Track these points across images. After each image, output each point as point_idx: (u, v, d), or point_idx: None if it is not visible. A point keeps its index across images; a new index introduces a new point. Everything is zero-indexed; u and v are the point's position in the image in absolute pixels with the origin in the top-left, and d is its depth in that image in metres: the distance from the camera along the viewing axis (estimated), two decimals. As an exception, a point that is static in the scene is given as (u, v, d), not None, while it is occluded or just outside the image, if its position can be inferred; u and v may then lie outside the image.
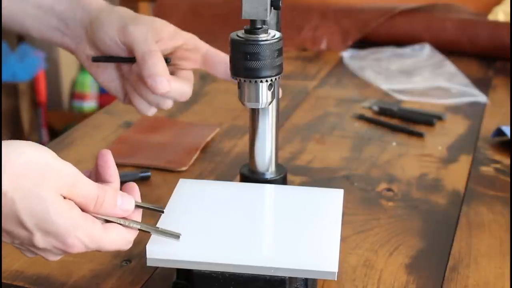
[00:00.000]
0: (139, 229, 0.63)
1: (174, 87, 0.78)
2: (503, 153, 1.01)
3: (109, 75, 0.84)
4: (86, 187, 0.59)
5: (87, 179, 0.60)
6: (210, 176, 0.94)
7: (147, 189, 0.89)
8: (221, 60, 0.83)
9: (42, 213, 0.57)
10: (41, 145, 0.60)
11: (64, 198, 0.58)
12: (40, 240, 0.58)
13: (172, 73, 0.81)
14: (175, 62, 0.83)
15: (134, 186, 0.65)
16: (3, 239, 0.60)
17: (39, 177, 0.57)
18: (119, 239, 0.62)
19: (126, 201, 0.62)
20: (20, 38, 2.63)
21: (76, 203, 0.59)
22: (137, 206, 0.64)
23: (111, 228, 0.61)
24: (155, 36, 0.79)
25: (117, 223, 0.61)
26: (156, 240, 0.66)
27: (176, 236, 0.64)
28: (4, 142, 0.57)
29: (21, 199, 0.56)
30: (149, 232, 0.64)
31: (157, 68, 0.76)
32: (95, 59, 0.82)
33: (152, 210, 0.66)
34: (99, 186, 0.61)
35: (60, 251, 0.60)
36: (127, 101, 0.86)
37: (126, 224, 0.62)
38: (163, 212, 0.67)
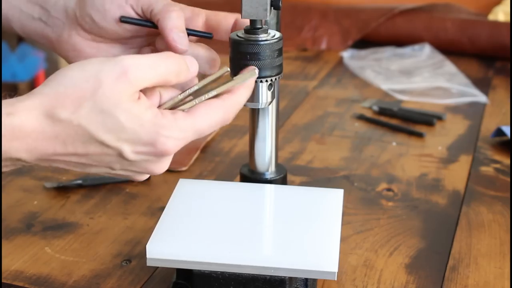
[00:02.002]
0: (217, 94, 0.59)
1: (201, 53, 0.72)
2: (503, 153, 1.01)
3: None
4: (152, 72, 0.57)
5: (149, 58, 0.57)
6: (210, 176, 0.94)
7: (147, 189, 0.89)
8: (221, 20, 0.75)
9: (117, 127, 0.55)
10: (82, 61, 0.58)
11: (138, 98, 0.56)
12: (129, 153, 0.57)
13: None
14: None
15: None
16: (99, 170, 0.59)
17: (95, 94, 0.55)
18: (214, 115, 0.59)
19: (193, 64, 0.61)
20: (20, 38, 2.63)
21: (154, 85, 0.57)
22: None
23: (198, 110, 0.59)
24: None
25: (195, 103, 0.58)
26: (156, 240, 0.66)
27: (254, 73, 0.62)
28: (53, 76, 0.56)
29: (90, 122, 0.55)
30: (231, 85, 0.60)
31: (179, 22, 0.69)
32: (125, 20, 0.71)
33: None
34: (170, 57, 0.58)
35: (156, 158, 0.59)
36: None
37: (203, 99, 0.58)
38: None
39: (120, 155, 0.58)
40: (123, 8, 0.70)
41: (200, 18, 0.74)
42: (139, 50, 0.76)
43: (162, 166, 0.61)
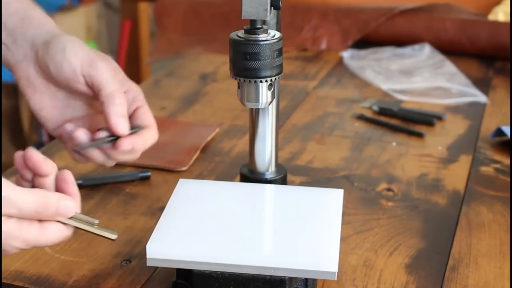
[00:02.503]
0: (76, 227, 0.63)
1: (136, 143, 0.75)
2: (503, 153, 1.01)
3: (43, 102, 0.78)
4: (22, 201, 0.60)
5: (26, 192, 0.61)
6: (210, 176, 0.94)
7: (147, 189, 0.89)
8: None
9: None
10: None
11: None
12: None
13: None
14: None
15: (68, 177, 0.64)
16: None
17: None
18: (57, 236, 0.62)
19: (69, 209, 0.62)
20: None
21: (10, 215, 0.60)
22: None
23: (49, 227, 0.62)
24: (117, 76, 0.76)
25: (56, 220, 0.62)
26: (156, 240, 0.66)
27: (113, 236, 0.65)
28: None
29: None
30: (87, 231, 0.64)
31: (123, 109, 0.74)
32: (77, 150, 0.75)
33: (85, 226, 0.65)
34: (40, 199, 0.61)
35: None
36: (57, 132, 0.79)
37: (65, 221, 0.62)
38: (96, 224, 0.65)
39: None
40: (76, 75, 0.75)
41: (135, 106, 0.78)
42: (83, 104, 0.79)
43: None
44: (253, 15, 0.71)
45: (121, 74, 0.78)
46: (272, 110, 0.80)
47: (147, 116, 0.78)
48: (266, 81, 0.73)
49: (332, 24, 1.51)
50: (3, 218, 0.59)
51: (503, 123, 1.10)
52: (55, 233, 0.62)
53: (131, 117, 0.77)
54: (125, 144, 0.73)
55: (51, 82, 0.77)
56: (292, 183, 0.92)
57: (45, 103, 0.78)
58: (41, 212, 0.61)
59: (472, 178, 0.94)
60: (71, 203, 0.62)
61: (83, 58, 0.75)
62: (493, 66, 1.39)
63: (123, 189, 0.89)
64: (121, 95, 0.74)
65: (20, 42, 0.78)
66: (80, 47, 0.76)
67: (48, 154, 0.98)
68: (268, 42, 0.72)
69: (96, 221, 0.65)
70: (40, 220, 0.62)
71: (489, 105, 1.19)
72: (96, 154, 0.75)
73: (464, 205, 0.87)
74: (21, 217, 0.60)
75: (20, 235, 0.60)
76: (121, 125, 0.73)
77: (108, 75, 0.75)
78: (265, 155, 0.82)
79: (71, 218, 0.63)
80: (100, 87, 0.74)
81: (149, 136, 0.77)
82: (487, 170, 0.96)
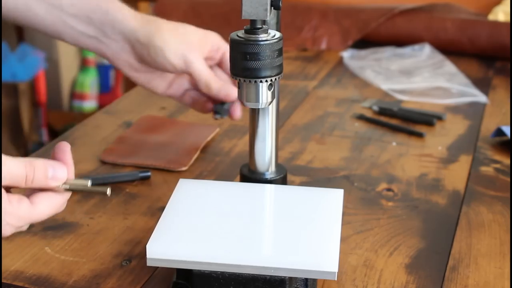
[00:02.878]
0: (67, 189, 0.63)
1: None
2: (503, 153, 1.01)
3: (151, 79, 0.92)
4: (11, 168, 0.61)
5: (12, 159, 0.61)
6: (210, 176, 0.94)
7: (147, 189, 0.89)
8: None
9: None
10: None
11: None
12: None
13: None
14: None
15: (65, 147, 0.65)
16: None
17: None
18: (50, 207, 0.63)
19: (58, 172, 0.63)
20: (20, 38, 2.63)
21: (5, 185, 0.60)
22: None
23: (39, 201, 0.63)
24: (203, 54, 0.88)
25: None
26: (156, 240, 0.66)
27: (106, 189, 0.64)
28: None
29: None
30: (80, 191, 0.64)
31: (233, 96, 0.88)
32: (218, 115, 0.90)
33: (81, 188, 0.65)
34: (27, 163, 0.61)
35: None
36: (168, 94, 0.94)
37: (56, 188, 0.63)
38: (87, 185, 0.64)
39: None
40: (176, 71, 0.88)
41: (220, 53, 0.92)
42: (180, 89, 0.94)
43: None
44: (253, 15, 0.71)
45: (205, 47, 0.89)
46: (272, 110, 0.80)
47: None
48: (266, 81, 0.73)
49: (332, 24, 1.51)
50: None
51: (503, 123, 1.10)
52: (47, 206, 0.63)
53: (220, 64, 0.92)
54: (237, 113, 0.91)
55: (153, 69, 0.89)
56: (292, 183, 0.92)
57: (153, 79, 0.91)
58: (29, 176, 0.61)
59: (472, 178, 0.94)
60: (59, 165, 0.63)
61: (177, 56, 0.86)
62: (493, 66, 1.39)
63: (123, 189, 0.89)
64: (213, 79, 0.87)
65: (111, 35, 0.86)
66: (175, 44, 0.86)
67: (48, 154, 0.98)
68: (268, 42, 0.72)
69: (89, 182, 0.64)
70: (30, 196, 0.62)
71: (489, 105, 1.19)
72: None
73: (464, 205, 0.87)
74: (11, 185, 0.61)
75: (13, 210, 0.61)
76: (238, 112, 0.90)
77: (200, 68, 0.87)
78: (265, 155, 0.82)
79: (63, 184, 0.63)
80: (195, 78, 0.88)
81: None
82: (487, 170, 0.96)
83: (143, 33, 0.86)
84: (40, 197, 0.63)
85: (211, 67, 0.92)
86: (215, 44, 0.90)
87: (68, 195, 0.65)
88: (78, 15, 0.86)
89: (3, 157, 0.61)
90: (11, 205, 0.61)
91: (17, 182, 0.61)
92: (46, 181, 0.62)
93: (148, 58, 0.87)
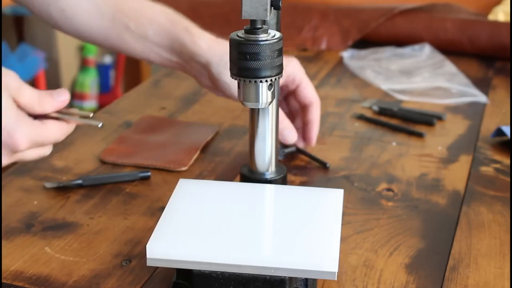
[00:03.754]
0: (70, 119, 0.72)
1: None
2: (503, 153, 1.01)
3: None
4: (29, 91, 0.69)
5: (28, 86, 0.69)
6: (210, 176, 0.94)
7: (147, 189, 0.89)
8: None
9: (5, 101, 0.67)
10: None
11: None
12: None
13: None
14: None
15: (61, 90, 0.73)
16: None
17: None
18: (59, 129, 0.71)
19: (61, 93, 0.72)
20: (20, 38, 2.63)
21: (21, 106, 0.69)
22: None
23: (49, 123, 0.71)
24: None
25: (54, 117, 0.71)
26: (156, 240, 0.66)
27: (98, 123, 0.73)
28: None
29: None
30: (74, 120, 0.72)
31: (289, 141, 0.94)
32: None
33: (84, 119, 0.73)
34: (37, 90, 0.70)
35: (8, 150, 0.68)
36: None
37: (61, 116, 0.72)
38: (90, 117, 0.73)
39: None
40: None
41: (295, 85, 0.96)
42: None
43: (4, 160, 0.70)
44: (253, 15, 0.71)
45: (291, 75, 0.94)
46: (272, 110, 0.80)
47: (306, 92, 0.95)
48: (266, 81, 0.73)
49: (332, 24, 1.51)
50: (12, 101, 0.68)
51: (503, 123, 1.10)
52: (56, 127, 0.71)
53: (294, 94, 0.96)
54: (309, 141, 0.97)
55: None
56: (292, 183, 0.92)
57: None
58: (41, 98, 0.70)
59: (472, 178, 0.94)
60: (62, 89, 0.72)
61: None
62: (493, 66, 1.39)
63: (123, 189, 0.89)
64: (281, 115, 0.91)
65: (191, 63, 0.93)
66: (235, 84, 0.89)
67: (48, 154, 0.98)
68: (268, 42, 0.72)
69: (91, 114, 0.73)
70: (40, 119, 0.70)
71: (489, 105, 1.19)
72: None
73: (464, 205, 0.87)
74: (27, 108, 0.69)
75: (29, 123, 0.68)
76: (286, 138, 0.94)
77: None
78: (265, 155, 0.82)
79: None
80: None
81: (316, 112, 0.96)
82: (487, 170, 0.96)
83: (215, 68, 0.90)
84: (50, 121, 0.71)
85: (284, 97, 0.97)
86: (291, 74, 0.93)
87: (71, 126, 0.73)
88: (161, 45, 0.94)
89: (23, 83, 0.69)
90: (29, 119, 0.69)
91: (32, 104, 0.69)
92: (54, 102, 0.71)
93: (213, 80, 0.92)
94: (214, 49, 0.91)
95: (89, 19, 0.94)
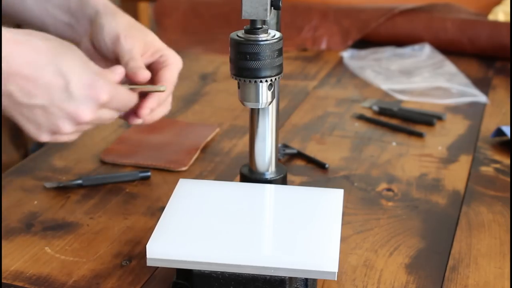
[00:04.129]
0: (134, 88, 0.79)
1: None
2: (503, 153, 1.01)
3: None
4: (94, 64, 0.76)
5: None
6: (210, 176, 0.94)
7: (147, 189, 0.89)
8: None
9: (78, 59, 0.73)
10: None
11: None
12: (75, 86, 0.72)
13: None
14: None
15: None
16: (32, 100, 0.72)
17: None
18: (128, 95, 0.78)
19: (116, 68, 0.78)
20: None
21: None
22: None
23: (120, 87, 0.77)
24: (141, 50, 0.87)
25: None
26: (156, 240, 0.66)
27: (161, 88, 0.80)
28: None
29: (57, 47, 0.73)
30: (142, 88, 0.80)
31: (137, 63, 0.85)
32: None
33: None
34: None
35: (89, 99, 0.73)
36: None
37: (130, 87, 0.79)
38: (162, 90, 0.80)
39: (66, 87, 0.73)
40: (108, 51, 0.88)
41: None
42: None
43: (86, 115, 0.75)
44: (253, 15, 0.71)
45: (150, 48, 0.88)
46: (272, 110, 0.80)
47: (165, 73, 0.87)
48: (266, 81, 0.73)
49: (332, 24, 1.51)
50: (87, 59, 0.75)
51: (503, 123, 1.10)
52: (127, 92, 0.78)
53: (153, 65, 0.89)
54: (143, 112, 0.83)
55: (101, 54, 0.90)
56: (292, 183, 0.92)
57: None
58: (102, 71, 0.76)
59: (472, 178, 0.94)
60: (117, 66, 0.79)
61: (112, 36, 0.87)
62: (493, 66, 1.39)
63: (123, 189, 0.89)
64: (134, 60, 0.85)
65: (81, 21, 0.91)
66: (115, 27, 0.87)
67: (48, 154, 0.98)
68: (268, 42, 0.72)
69: (163, 88, 0.81)
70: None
71: (489, 105, 1.19)
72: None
73: (464, 205, 0.87)
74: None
75: (105, 78, 0.75)
76: (139, 73, 0.83)
77: (126, 49, 0.86)
78: (265, 155, 0.82)
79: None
80: (120, 60, 0.86)
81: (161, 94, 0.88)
82: (487, 170, 0.96)
83: (101, 15, 0.88)
84: (120, 85, 0.77)
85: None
86: (156, 47, 0.89)
87: (135, 95, 0.79)
88: (60, 5, 0.92)
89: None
90: (105, 73, 0.76)
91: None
92: (116, 75, 0.78)
93: (93, 38, 0.89)
94: (106, 4, 0.90)
95: None
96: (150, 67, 0.87)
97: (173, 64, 0.88)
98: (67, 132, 0.76)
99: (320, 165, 0.96)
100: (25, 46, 0.72)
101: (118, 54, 0.86)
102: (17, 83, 0.71)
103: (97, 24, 0.88)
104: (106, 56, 0.88)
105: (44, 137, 0.76)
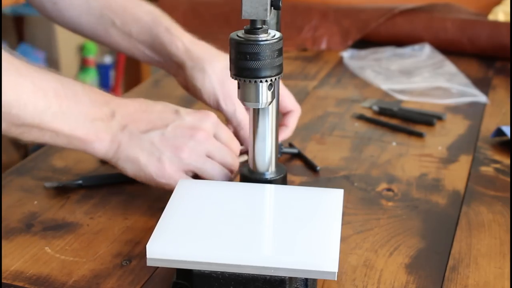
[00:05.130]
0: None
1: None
2: (503, 153, 1.01)
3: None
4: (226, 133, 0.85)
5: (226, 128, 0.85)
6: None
7: (147, 189, 0.89)
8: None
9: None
10: None
11: None
12: (184, 112, 0.82)
13: None
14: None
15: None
16: (139, 126, 0.80)
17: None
18: (218, 171, 0.83)
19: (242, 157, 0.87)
20: (20, 38, 2.63)
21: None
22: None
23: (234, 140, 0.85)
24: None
25: None
26: (156, 240, 0.66)
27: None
28: None
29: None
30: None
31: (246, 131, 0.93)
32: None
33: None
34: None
35: (189, 135, 0.80)
36: None
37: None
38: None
39: (177, 112, 0.82)
40: (211, 106, 0.96)
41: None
42: None
43: (183, 154, 0.80)
44: (253, 15, 0.71)
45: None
46: (272, 110, 0.80)
47: (290, 119, 0.98)
48: (266, 81, 0.73)
49: (332, 24, 1.51)
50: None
51: (503, 123, 1.10)
52: (218, 169, 0.83)
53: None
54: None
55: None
56: (292, 183, 0.92)
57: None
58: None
59: (472, 178, 0.94)
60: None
61: (211, 99, 0.94)
62: (493, 66, 1.39)
63: (123, 189, 0.89)
64: (242, 125, 0.93)
65: (169, 62, 0.96)
66: (207, 87, 0.93)
67: (48, 154, 0.98)
68: (268, 42, 0.72)
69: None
70: None
71: (489, 105, 1.19)
72: None
73: (464, 205, 0.87)
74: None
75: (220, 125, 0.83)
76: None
77: (230, 115, 0.93)
78: (265, 155, 0.82)
79: None
80: (228, 119, 0.94)
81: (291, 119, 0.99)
82: (487, 170, 0.96)
83: (189, 71, 0.94)
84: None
85: None
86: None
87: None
88: (144, 43, 0.97)
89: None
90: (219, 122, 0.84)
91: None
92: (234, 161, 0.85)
93: (191, 90, 0.96)
94: (191, 53, 0.94)
95: (79, 13, 0.98)
96: None
97: (296, 111, 0.99)
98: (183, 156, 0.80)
99: (312, 167, 0.96)
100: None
101: (223, 114, 0.93)
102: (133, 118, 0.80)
103: (189, 80, 0.94)
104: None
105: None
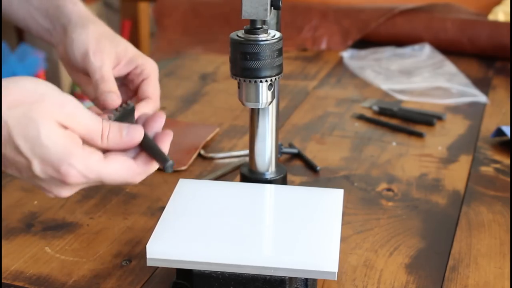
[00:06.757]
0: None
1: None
2: (503, 153, 1.01)
3: (76, 77, 0.88)
4: (87, 119, 0.62)
5: (90, 112, 0.62)
6: (210, 176, 0.94)
7: (147, 189, 0.89)
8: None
9: (34, 138, 0.59)
10: (42, 80, 0.63)
11: (65, 128, 0.61)
12: (37, 167, 0.61)
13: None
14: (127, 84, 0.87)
15: (166, 134, 0.67)
16: (10, 171, 0.63)
17: (34, 103, 0.60)
18: (123, 170, 0.63)
19: (132, 131, 0.63)
20: (20, 38, 2.63)
21: (80, 136, 0.61)
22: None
23: (113, 159, 0.62)
24: (112, 62, 0.83)
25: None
26: (156, 240, 0.66)
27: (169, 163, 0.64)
28: (5, 79, 0.61)
29: (15, 124, 0.60)
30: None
31: (108, 86, 0.80)
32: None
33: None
34: (103, 120, 0.63)
35: (58, 182, 0.62)
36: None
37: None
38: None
39: (29, 167, 0.61)
40: (78, 65, 0.84)
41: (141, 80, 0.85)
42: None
43: (65, 192, 0.64)
44: (253, 15, 0.71)
45: (123, 58, 0.84)
46: (272, 110, 0.80)
47: (148, 88, 0.83)
48: (266, 81, 0.73)
49: (332, 24, 1.51)
50: (68, 133, 0.61)
51: (503, 123, 1.10)
52: (119, 167, 0.62)
53: (137, 90, 0.84)
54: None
55: (73, 68, 0.86)
56: (292, 183, 0.92)
57: (78, 78, 0.87)
58: (105, 131, 0.62)
59: (472, 178, 0.94)
60: (134, 126, 0.64)
61: (81, 52, 0.83)
62: (493, 66, 1.39)
63: (123, 189, 0.89)
64: (104, 79, 0.80)
65: (57, 28, 0.88)
66: (84, 41, 0.83)
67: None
68: (268, 42, 0.72)
69: (170, 162, 0.63)
70: (105, 154, 0.62)
71: (489, 105, 1.19)
72: None
73: (464, 205, 0.87)
74: (87, 139, 0.62)
75: (82, 155, 0.60)
76: (107, 100, 0.78)
77: (96, 66, 0.81)
78: (265, 155, 0.82)
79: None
80: (91, 78, 0.81)
81: (147, 108, 0.80)
82: (487, 170, 0.96)
83: (72, 27, 0.85)
84: (114, 156, 0.62)
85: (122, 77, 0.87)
86: (129, 56, 0.85)
87: (151, 166, 0.64)
88: (40, 9, 0.91)
89: (82, 107, 0.62)
90: (83, 151, 0.61)
91: (93, 136, 0.62)
92: (120, 139, 0.63)
93: (64, 49, 0.86)
94: (81, 13, 0.88)
95: None
96: (127, 78, 0.85)
97: (152, 74, 0.84)
98: (66, 195, 0.65)
99: (312, 167, 0.95)
100: None
101: (88, 71, 0.82)
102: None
103: (68, 37, 0.85)
104: (77, 70, 0.85)
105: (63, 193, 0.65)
